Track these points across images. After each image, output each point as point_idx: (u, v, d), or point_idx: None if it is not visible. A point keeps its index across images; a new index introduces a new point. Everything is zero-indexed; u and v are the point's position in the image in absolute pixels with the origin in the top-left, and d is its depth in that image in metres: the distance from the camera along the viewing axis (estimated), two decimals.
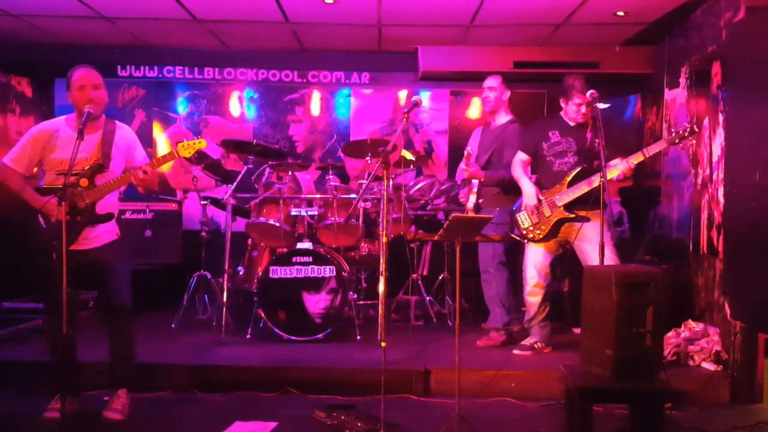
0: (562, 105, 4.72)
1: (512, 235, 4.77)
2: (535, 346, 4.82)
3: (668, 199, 5.62)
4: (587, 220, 4.43)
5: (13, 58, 6.63)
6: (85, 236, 3.74)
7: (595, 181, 4.32)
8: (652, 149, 4.37)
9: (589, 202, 4.34)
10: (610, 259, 4.34)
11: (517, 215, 4.69)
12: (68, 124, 3.79)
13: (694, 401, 4.12)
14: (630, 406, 3.46)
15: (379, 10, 5.47)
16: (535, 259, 4.73)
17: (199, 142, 3.65)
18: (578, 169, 4.51)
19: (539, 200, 4.60)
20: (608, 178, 4.29)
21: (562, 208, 4.52)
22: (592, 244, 4.20)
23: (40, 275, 3.67)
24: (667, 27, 5.61)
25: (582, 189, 4.44)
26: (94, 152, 3.75)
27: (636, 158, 4.35)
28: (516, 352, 4.79)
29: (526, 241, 4.70)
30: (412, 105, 3.87)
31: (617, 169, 4.37)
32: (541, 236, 4.61)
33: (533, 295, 4.77)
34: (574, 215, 4.49)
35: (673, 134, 4.29)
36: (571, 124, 4.66)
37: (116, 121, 3.94)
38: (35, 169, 3.88)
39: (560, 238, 4.66)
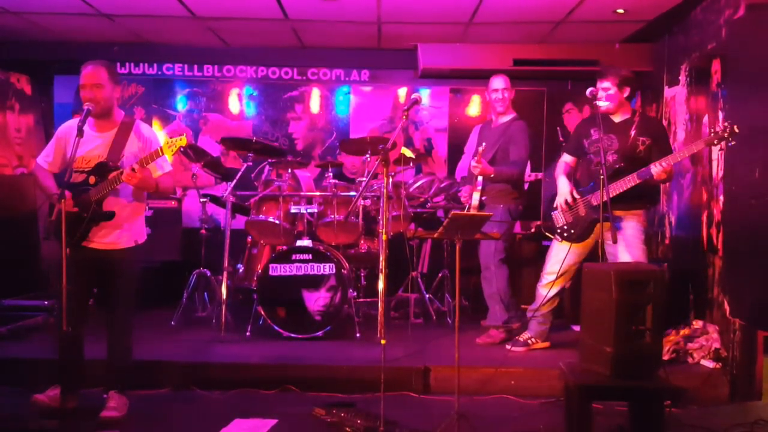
0: None
1: (547, 234, 4.69)
2: (529, 341, 4.82)
3: (668, 197, 5.62)
4: (621, 219, 4.31)
5: (13, 55, 6.62)
6: (102, 236, 3.77)
7: (632, 181, 4.19)
8: (688, 151, 4.19)
9: (624, 201, 4.22)
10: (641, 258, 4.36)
11: (552, 213, 4.61)
12: (88, 121, 3.79)
13: (694, 399, 4.12)
14: (629, 404, 3.47)
15: (378, 8, 5.46)
16: (561, 256, 4.55)
17: (180, 140, 3.64)
18: (616, 167, 4.31)
19: (574, 199, 4.50)
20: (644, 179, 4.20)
21: (597, 207, 4.32)
22: (622, 243, 4.13)
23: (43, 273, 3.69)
24: (667, 24, 5.60)
25: (618, 188, 4.24)
26: (106, 150, 3.77)
27: (672, 159, 4.14)
28: (510, 347, 4.79)
29: (561, 240, 4.58)
30: (411, 102, 3.85)
31: (654, 169, 4.15)
32: (575, 236, 4.50)
33: (547, 287, 4.69)
34: (609, 214, 4.21)
35: (712, 134, 4.02)
36: (616, 120, 4.44)
37: (138, 120, 3.95)
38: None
39: (592, 239, 4.52)
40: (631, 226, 4.38)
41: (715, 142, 4.05)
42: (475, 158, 4.82)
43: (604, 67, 4.62)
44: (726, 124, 4.03)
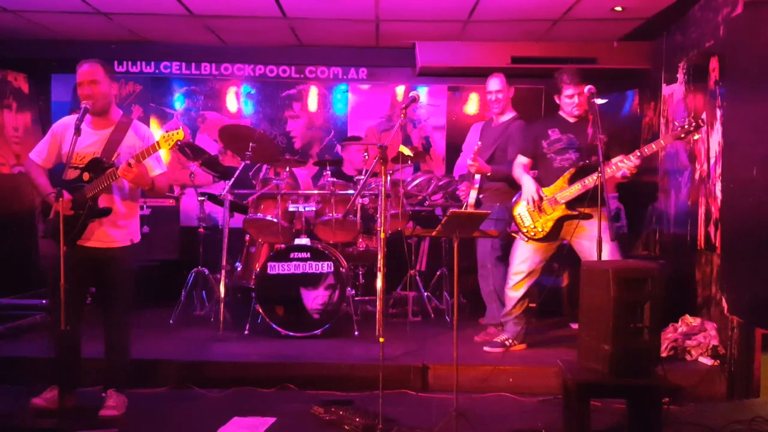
0: (557, 102, 4.62)
1: (513, 234, 4.66)
2: (507, 343, 4.78)
3: (666, 195, 5.63)
4: (590, 217, 4.31)
5: (10, 53, 6.61)
6: (98, 234, 3.77)
7: (596, 177, 4.21)
8: (656, 145, 4.25)
9: (589, 198, 4.26)
10: (613, 255, 4.31)
11: (517, 213, 4.58)
12: (86, 119, 3.76)
13: (692, 396, 4.13)
14: (627, 401, 3.47)
15: (376, 6, 5.46)
16: (527, 255, 4.61)
17: (177, 134, 3.63)
18: (579, 165, 4.39)
19: (540, 198, 4.50)
20: (613, 175, 4.25)
21: (564, 206, 4.42)
22: (592, 241, 4.14)
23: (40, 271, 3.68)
24: (665, 22, 5.60)
25: (584, 185, 4.31)
26: (101, 147, 3.77)
27: (640, 154, 4.20)
28: (487, 349, 4.76)
29: (527, 239, 4.57)
30: (409, 101, 3.84)
31: (623, 165, 4.24)
32: (543, 234, 4.50)
33: (516, 290, 4.69)
34: (576, 212, 4.37)
35: (678, 129, 4.14)
36: (571, 120, 4.54)
37: (134, 120, 3.95)
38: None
39: (560, 237, 4.55)
40: (597, 223, 4.36)
41: (683, 135, 4.17)
42: (471, 156, 4.83)
43: (562, 75, 4.58)
44: (691, 118, 4.18)
